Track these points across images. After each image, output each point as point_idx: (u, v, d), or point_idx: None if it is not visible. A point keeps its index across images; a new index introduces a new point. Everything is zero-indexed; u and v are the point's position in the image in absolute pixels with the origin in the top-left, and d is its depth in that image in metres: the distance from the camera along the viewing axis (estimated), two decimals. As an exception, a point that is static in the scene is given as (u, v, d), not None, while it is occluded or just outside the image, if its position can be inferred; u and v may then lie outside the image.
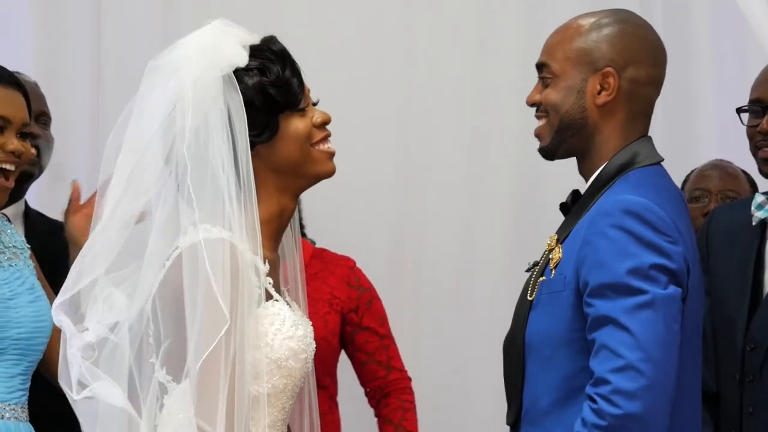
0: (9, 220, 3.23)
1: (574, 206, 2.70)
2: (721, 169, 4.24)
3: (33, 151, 3.15)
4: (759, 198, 3.24)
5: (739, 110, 3.30)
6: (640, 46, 2.66)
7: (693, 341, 2.59)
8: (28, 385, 3.10)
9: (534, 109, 2.73)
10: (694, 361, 2.60)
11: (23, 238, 3.21)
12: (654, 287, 2.46)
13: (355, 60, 4.72)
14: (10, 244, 3.15)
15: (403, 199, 4.75)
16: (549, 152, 2.72)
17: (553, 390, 2.55)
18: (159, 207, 2.53)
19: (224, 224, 2.49)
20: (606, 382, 2.42)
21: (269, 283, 2.57)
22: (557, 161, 4.57)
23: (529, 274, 2.70)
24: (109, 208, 2.55)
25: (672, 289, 2.48)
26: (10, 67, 3.20)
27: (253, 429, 2.51)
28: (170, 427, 2.50)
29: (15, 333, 3.04)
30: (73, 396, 2.50)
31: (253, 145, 2.56)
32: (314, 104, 2.66)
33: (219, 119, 2.52)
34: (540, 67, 2.70)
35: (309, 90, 2.65)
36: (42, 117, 3.86)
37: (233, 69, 2.55)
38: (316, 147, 2.62)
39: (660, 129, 4.69)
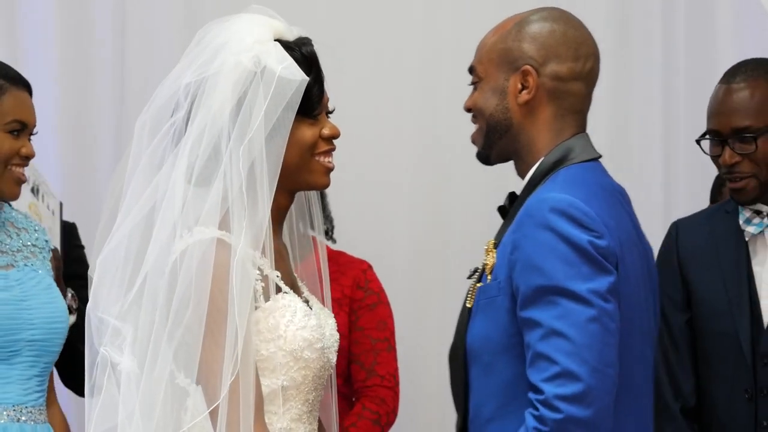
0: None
1: (511, 208, 2.67)
2: None
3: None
4: (746, 213, 3.22)
5: (698, 141, 3.27)
6: (559, 41, 2.63)
7: (631, 336, 2.55)
8: (45, 387, 3.10)
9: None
10: (636, 360, 2.56)
11: (48, 238, 3.20)
12: (589, 287, 2.43)
13: (376, 61, 4.71)
14: (29, 243, 3.14)
15: (425, 200, 4.74)
16: (484, 157, 2.71)
17: (493, 397, 2.54)
18: (165, 205, 2.52)
19: (223, 223, 2.48)
20: (544, 390, 2.39)
21: (277, 276, 2.56)
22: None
23: (471, 281, 2.68)
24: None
25: (606, 281, 2.45)
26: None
27: (277, 423, 2.51)
28: (197, 428, 2.48)
29: (29, 335, 3.04)
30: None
31: None
32: (330, 112, 2.64)
33: (239, 112, 2.51)
34: (470, 71, 2.71)
35: (328, 99, 2.63)
36: None
37: (262, 65, 2.54)
38: (317, 158, 2.60)
39: (683, 129, 4.67)
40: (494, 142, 2.66)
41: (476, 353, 2.56)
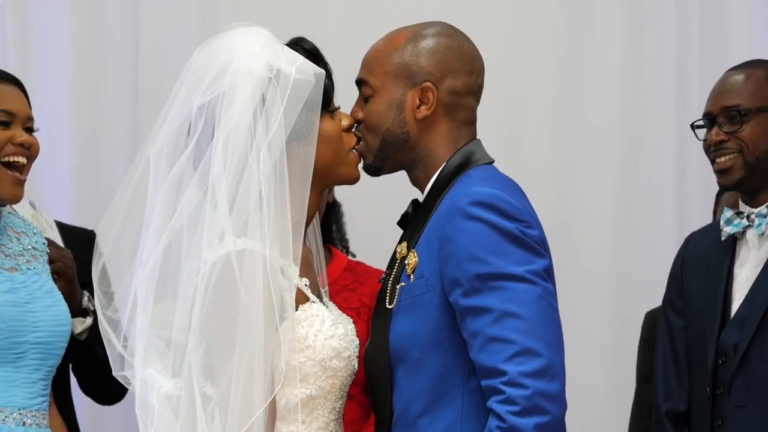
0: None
1: (415, 214, 2.69)
2: None
3: (39, 144, 3.10)
4: (728, 213, 3.24)
5: (692, 126, 3.31)
6: (456, 56, 2.67)
7: None
8: (48, 391, 3.08)
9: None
10: None
11: (45, 241, 3.18)
12: (528, 269, 2.47)
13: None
14: (30, 246, 3.12)
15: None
16: (373, 169, 2.72)
17: (423, 393, 2.55)
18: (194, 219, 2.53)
19: (253, 231, 2.48)
20: (506, 370, 2.41)
21: (306, 284, 2.56)
22: (604, 159, 4.58)
23: (382, 284, 2.68)
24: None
25: (542, 264, 2.50)
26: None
27: None
28: None
29: (33, 337, 3.02)
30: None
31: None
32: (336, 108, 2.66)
33: (259, 119, 2.52)
34: (360, 83, 2.71)
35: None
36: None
37: (275, 69, 2.54)
38: (348, 150, 2.63)
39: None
40: (389, 156, 2.68)
41: (402, 352, 2.58)
